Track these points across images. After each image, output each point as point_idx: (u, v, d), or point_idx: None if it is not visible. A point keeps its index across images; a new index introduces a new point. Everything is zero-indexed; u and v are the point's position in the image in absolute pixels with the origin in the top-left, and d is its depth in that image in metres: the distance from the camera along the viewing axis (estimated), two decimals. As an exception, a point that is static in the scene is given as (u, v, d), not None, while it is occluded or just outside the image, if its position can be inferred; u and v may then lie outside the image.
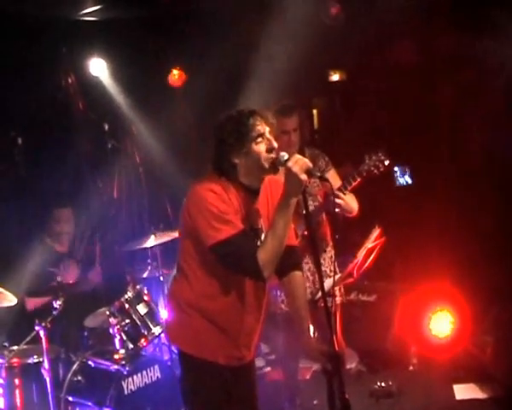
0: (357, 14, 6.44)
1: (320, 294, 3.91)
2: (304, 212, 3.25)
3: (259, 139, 3.19)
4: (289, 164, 3.06)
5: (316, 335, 3.48)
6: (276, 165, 3.19)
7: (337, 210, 4.46)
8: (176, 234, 5.50)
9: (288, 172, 3.06)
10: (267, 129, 3.23)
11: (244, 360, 3.45)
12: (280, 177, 3.27)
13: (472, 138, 6.57)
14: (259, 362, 6.27)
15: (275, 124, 3.29)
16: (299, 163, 3.05)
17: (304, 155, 4.66)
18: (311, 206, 4.64)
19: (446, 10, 6.47)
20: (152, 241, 5.81)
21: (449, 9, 6.46)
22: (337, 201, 4.42)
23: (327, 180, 3.32)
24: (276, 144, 3.21)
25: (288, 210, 3.09)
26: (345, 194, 4.48)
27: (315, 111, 8.35)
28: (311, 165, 3.11)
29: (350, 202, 4.54)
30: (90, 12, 6.24)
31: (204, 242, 3.17)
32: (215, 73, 6.90)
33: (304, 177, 3.05)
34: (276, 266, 3.17)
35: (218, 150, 3.24)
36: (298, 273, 3.46)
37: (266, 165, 3.19)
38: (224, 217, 3.12)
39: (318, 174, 3.27)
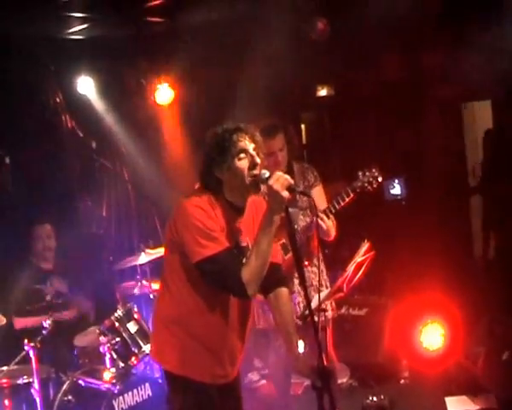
0: (344, 29, 6.50)
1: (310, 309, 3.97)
2: (291, 224, 3.29)
3: (242, 155, 3.21)
4: (270, 182, 3.09)
5: (307, 350, 3.49)
6: (257, 182, 3.21)
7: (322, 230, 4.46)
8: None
9: (270, 189, 3.09)
10: (251, 145, 3.25)
11: (229, 378, 3.46)
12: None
13: (460, 151, 6.64)
14: (254, 376, 6.27)
15: (260, 141, 3.32)
16: (280, 181, 3.08)
17: (292, 169, 4.72)
18: (302, 221, 4.66)
19: (433, 25, 6.55)
20: (142, 258, 5.82)
21: (436, 25, 6.53)
22: (321, 224, 4.42)
23: (309, 196, 3.34)
24: (259, 160, 3.23)
25: (271, 228, 3.12)
26: (328, 218, 4.49)
27: (303, 126, 8.42)
28: (292, 182, 3.14)
29: (330, 228, 4.54)
30: (77, 31, 6.26)
31: (190, 258, 3.18)
32: (202, 91, 6.95)
33: (285, 194, 3.08)
34: (260, 283, 3.20)
35: (204, 165, 3.27)
36: (283, 290, 3.48)
37: (248, 181, 3.21)
38: (210, 234, 3.15)
39: (300, 190, 3.29)
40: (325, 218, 4.47)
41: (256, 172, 3.21)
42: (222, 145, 3.20)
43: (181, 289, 3.32)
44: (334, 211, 4.52)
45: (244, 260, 3.23)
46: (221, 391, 3.43)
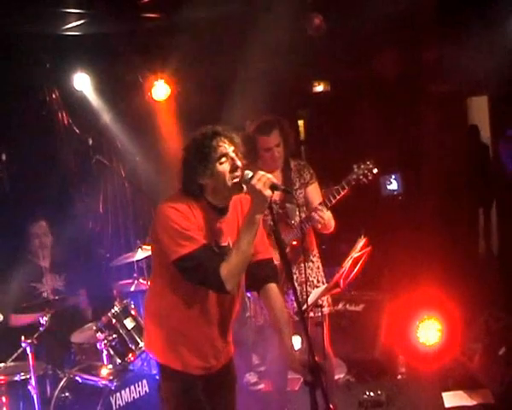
0: (341, 25, 6.50)
1: (305, 305, 4.00)
2: (271, 224, 3.32)
3: (223, 159, 3.27)
4: (253, 181, 3.15)
5: (304, 345, 3.50)
6: (241, 183, 3.25)
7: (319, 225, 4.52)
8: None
9: (253, 189, 3.15)
10: (231, 149, 3.30)
11: (212, 370, 3.52)
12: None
13: (458, 147, 6.64)
14: (251, 378, 6.29)
15: (240, 143, 3.36)
16: (262, 180, 3.14)
17: (289, 166, 4.76)
18: (298, 217, 4.64)
19: (432, 20, 6.56)
20: (138, 254, 5.83)
21: (434, 20, 6.54)
22: (318, 216, 4.48)
23: (290, 192, 3.48)
24: (239, 163, 3.29)
25: (253, 226, 3.18)
26: (326, 210, 4.53)
27: (301, 122, 8.42)
28: (275, 180, 3.19)
29: (329, 220, 4.58)
30: (73, 27, 6.25)
31: (168, 257, 3.27)
32: (199, 87, 6.94)
33: (268, 193, 3.14)
34: (239, 279, 3.30)
35: (185, 173, 3.32)
36: (273, 285, 3.54)
37: (230, 184, 3.26)
38: (186, 233, 3.22)
39: (283, 188, 3.32)
40: (323, 210, 4.50)
41: (238, 173, 3.27)
42: (202, 151, 3.26)
43: (163, 286, 3.44)
44: (329, 205, 4.54)
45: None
46: (209, 382, 3.51)
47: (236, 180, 3.25)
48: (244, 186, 3.23)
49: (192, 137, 3.35)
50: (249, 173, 3.23)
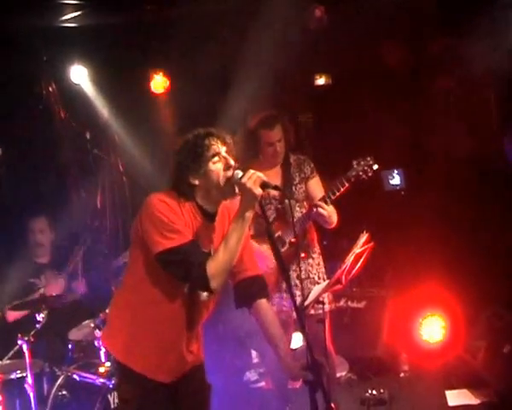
0: (343, 18, 6.47)
1: (306, 302, 3.98)
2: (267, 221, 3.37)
3: (216, 158, 3.28)
4: (243, 180, 3.16)
5: (304, 343, 3.48)
6: (232, 184, 3.25)
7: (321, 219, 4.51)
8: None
9: (243, 187, 3.16)
10: (223, 148, 3.32)
11: (175, 376, 3.47)
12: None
13: (462, 142, 6.60)
14: (252, 375, 6.27)
15: (231, 144, 3.37)
16: (252, 178, 3.14)
17: (289, 161, 4.77)
18: (298, 213, 4.70)
19: (434, 13, 6.53)
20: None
21: (437, 12, 6.51)
22: (320, 211, 4.49)
23: (280, 190, 3.49)
24: (232, 162, 3.30)
25: (242, 224, 3.18)
26: (328, 204, 4.53)
27: (301, 117, 8.38)
28: (265, 178, 3.20)
29: (331, 215, 4.58)
30: (70, 18, 6.23)
31: (152, 249, 3.22)
32: (199, 80, 6.91)
33: (258, 191, 3.15)
34: (225, 278, 3.25)
35: (177, 173, 3.32)
36: (263, 301, 3.51)
37: (223, 183, 3.26)
38: (173, 226, 3.20)
39: (273, 185, 3.32)
40: (324, 205, 4.49)
41: (230, 173, 3.26)
42: (195, 151, 3.28)
43: (136, 281, 3.39)
44: (329, 201, 4.54)
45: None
46: (173, 389, 3.46)
47: (228, 179, 3.25)
48: (236, 188, 3.24)
49: (184, 138, 3.36)
50: (239, 173, 3.24)
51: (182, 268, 3.19)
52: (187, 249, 3.18)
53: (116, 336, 3.47)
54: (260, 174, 3.20)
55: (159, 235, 3.19)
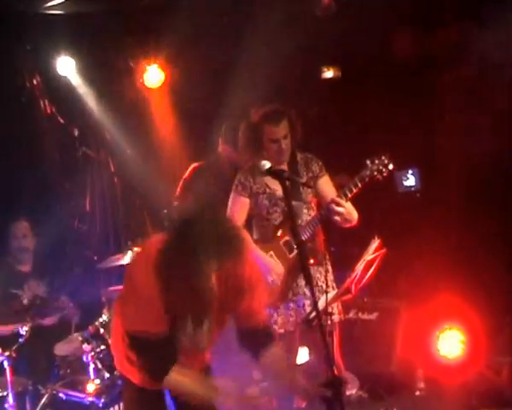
0: (351, 4, 6.45)
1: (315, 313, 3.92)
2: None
3: None
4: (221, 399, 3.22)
5: (312, 357, 3.44)
6: None
7: (337, 218, 4.50)
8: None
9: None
10: None
11: None
12: None
13: (484, 139, 6.58)
14: (253, 392, 6.22)
15: None
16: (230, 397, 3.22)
17: (295, 159, 4.76)
18: (307, 215, 4.67)
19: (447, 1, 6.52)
20: (129, 257, 5.76)
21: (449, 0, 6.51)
22: (338, 209, 4.45)
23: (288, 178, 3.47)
24: None
25: (205, 398, 3.23)
26: (346, 201, 4.50)
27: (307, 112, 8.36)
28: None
29: (350, 212, 4.55)
30: (56, 5, 6.22)
31: (124, 322, 3.27)
32: (195, 73, 6.91)
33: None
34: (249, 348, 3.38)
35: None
36: (272, 351, 3.45)
37: None
38: (150, 311, 3.13)
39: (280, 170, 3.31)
40: (342, 201, 4.46)
41: None
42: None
43: None
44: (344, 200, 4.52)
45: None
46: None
47: None
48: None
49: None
50: (266, 164, 3.38)
51: (141, 360, 3.23)
52: (156, 344, 3.15)
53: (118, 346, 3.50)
54: (267, 162, 3.22)
55: (131, 312, 3.19)
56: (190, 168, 6.15)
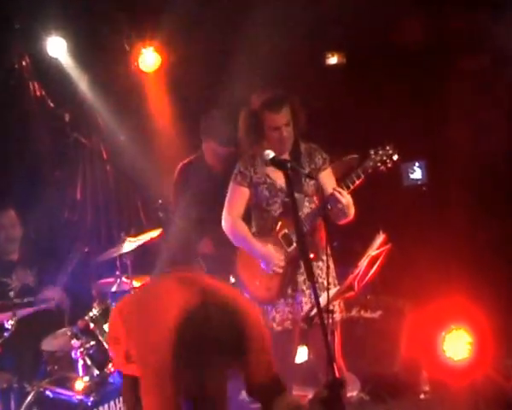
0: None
1: (315, 310, 3.89)
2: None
3: None
4: None
5: (311, 357, 3.41)
6: None
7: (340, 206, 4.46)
8: (149, 237, 5.64)
9: None
10: None
11: None
12: None
13: (495, 131, 6.58)
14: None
15: None
16: None
17: (299, 149, 4.74)
18: (307, 208, 4.65)
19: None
20: (122, 249, 5.75)
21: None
22: (338, 197, 4.42)
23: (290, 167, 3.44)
24: None
25: None
26: (348, 193, 4.49)
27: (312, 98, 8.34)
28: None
29: (348, 204, 4.53)
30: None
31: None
32: (193, 56, 6.89)
33: None
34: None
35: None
36: (280, 398, 3.38)
37: None
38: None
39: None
40: (343, 192, 4.45)
41: None
42: None
43: None
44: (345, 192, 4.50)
45: None
46: None
47: None
48: None
49: None
50: (270, 153, 3.46)
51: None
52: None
53: None
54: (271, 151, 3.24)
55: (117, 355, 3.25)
56: (178, 169, 6.11)
